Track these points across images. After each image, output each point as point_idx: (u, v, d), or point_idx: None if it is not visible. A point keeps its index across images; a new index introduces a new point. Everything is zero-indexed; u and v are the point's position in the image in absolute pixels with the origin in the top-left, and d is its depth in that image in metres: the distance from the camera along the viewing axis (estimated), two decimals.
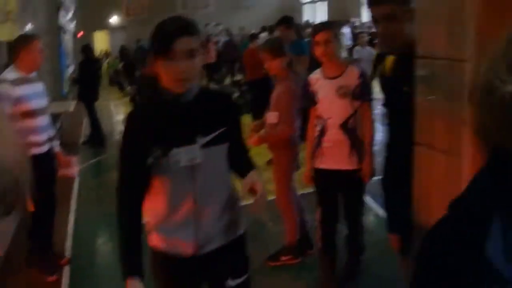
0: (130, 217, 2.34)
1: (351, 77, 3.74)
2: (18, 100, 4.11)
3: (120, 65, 18.03)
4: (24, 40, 4.34)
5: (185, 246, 2.40)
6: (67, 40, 16.94)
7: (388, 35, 2.58)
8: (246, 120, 6.09)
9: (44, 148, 4.38)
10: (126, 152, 2.36)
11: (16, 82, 4.14)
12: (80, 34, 21.93)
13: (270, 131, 4.20)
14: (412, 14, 2.39)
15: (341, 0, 21.23)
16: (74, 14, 20.73)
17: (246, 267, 2.58)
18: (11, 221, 1.67)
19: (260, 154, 5.66)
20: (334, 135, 3.75)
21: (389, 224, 2.74)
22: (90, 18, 23.42)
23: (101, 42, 25.41)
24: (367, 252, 4.28)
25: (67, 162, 4.64)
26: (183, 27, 2.24)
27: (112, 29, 25.54)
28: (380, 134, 4.31)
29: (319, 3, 21.62)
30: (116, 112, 14.39)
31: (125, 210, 2.35)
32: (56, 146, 4.59)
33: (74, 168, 4.70)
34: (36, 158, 4.19)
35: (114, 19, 25.36)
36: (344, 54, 3.88)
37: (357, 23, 19.10)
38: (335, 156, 3.77)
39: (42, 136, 4.37)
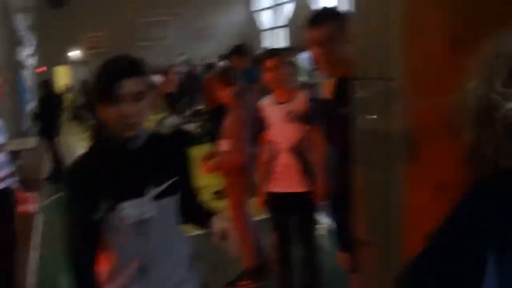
0: (82, 280, 2.10)
1: (301, 102, 3.85)
2: None
3: (81, 100, 17.97)
4: None
5: None
6: (28, 76, 16.86)
7: (328, 57, 2.67)
8: (207, 150, 6.13)
9: (1, 185, 4.37)
10: (70, 208, 2.12)
11: None
12: (41, 69, 21.82)
13: (223, 158, 4.28)
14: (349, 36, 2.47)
15: (301, 26, 21.43)
16: (35, 50, 20.65)
17: None
18: None
19: (208, 186, 5.72)
20: (285, 159, 3.86)
21: (337, 243, 2.83)
22: (52, 53, 23.30)
23: (63, 77, 25.28)
24: (325, 272, 4.34)
25: (26, 198, 4.64)
26: (128, 67, 2.07)
27: (74, 64, 25.44)
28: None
29: (279, 29, 21.85)
30: (78, 147, 14.31)
31: (77, 271, 2.10)
32: (15, 182, 4.59)
33: (33, 204, 4.69)
34: None
35: (75, 54, 25.27)
36: (304, 78, 3.99)
37: None
38: (287, 180, 3.87)
39: (0, 173, 4.37)
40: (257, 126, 4.02)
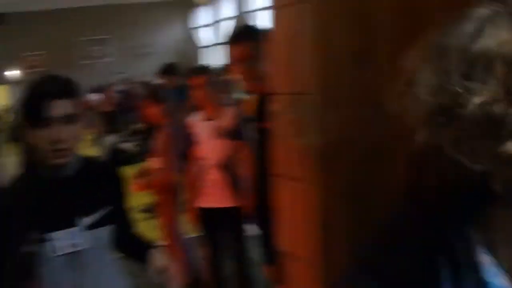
0: None
1: (228, 118, 3.90)
2: None
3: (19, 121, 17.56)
4: None
5: None
6: None
7: (249, 74, 2.72)
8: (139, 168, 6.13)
9: None
10: None
11: None
12: None
13: (153, 176, 4.30)
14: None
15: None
16: None
17: None
18: None
19: (139, 205, 5.71)
20: (214, 174, 3.92)
21: (263, 256, 2.86)
22: None
23: (1, 97, 24.75)
24: (257, 285, 4.38)
25: None
26: (59, 87, 1.96)
27: (12, 84, 24.96)
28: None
29: (218, 46, 21.91)
30: (16, 169, 14.00)
31: None
32: None
33: None
34: None
35: (14, 74, 24.79)
36: (233, 94, 4.04)
37: None
38: (216, 195, 3.94)
39: None
40: (186, 143, 4.06)
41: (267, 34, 2.55)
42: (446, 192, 0.77)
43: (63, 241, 1.97)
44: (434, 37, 0.80)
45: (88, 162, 2.19)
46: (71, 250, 1.98)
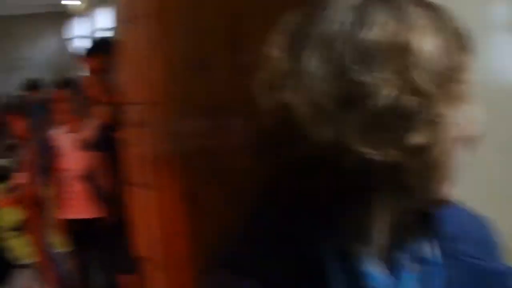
0: None
1: (89, 130, 3.92)
2: None
3: None
4: None
5: None
6: None
7: (102, 85, 2.77)
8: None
9: None
10: None
11: None
12: None
13: (19, 191, 4.24)
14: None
15: None
16: None
17: None
18: None
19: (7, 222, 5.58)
20: (77, 186, 3.93)
21: (120, 265, 2.90)
22: None
23: None
24: None
25: None
26: None
27: None
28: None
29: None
30: None
31: None
32: None
33: None
34: None
35: None
36: (92, 106, 4.03)
37: None
38: (80, 206, 3.96)
39: None
40: (50, 156, 4.04)
41: (117, 47, 2.62)
42: (302, 193, 0.78)
43: None
44: (292, 25, 0.77)
45: None
46: None
